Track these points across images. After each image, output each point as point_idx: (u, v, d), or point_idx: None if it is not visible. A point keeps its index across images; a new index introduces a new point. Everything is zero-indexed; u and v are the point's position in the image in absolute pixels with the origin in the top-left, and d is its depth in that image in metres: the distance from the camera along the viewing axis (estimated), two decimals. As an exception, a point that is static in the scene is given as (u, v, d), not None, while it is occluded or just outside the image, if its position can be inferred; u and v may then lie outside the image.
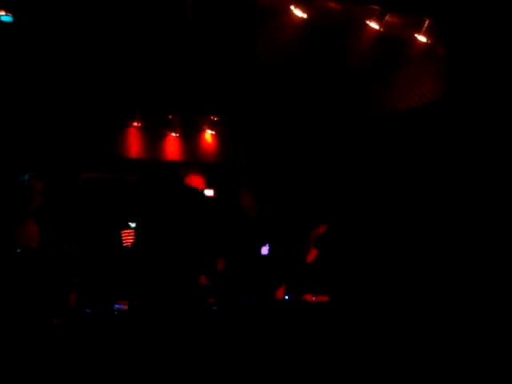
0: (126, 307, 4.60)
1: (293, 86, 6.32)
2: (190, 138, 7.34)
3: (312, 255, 5.45)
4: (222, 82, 6.45)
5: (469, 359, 4.44)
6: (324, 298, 5.20)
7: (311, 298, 5.23)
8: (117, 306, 4.66)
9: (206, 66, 6.12)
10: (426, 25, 5.24)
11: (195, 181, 4.72)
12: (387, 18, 5.14)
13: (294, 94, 6.49)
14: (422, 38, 5.32)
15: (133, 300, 4.55)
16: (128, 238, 6.06)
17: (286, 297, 5.37)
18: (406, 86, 5.70)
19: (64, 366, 4.12)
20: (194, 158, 7.31)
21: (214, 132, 7.44)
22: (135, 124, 7.02)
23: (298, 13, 5.00)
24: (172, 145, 7.22)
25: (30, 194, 4.58)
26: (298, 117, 6.83)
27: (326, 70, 5.96)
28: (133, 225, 6.16)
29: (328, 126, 6.73)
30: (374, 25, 5.16)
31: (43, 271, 4.32)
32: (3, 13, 5.10)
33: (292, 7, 4.98)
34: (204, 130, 7.44)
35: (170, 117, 7.12)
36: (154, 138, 7.15)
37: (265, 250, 5.61)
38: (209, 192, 6.84)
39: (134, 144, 7.01)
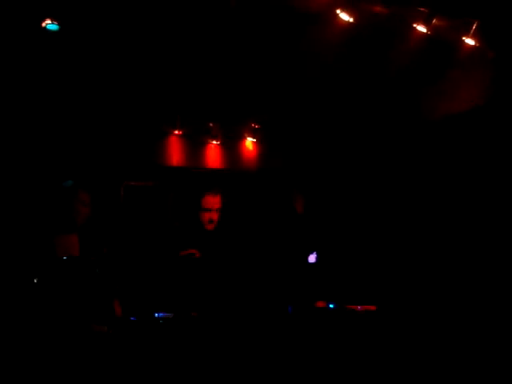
0: (170, 316, 4.60)
1: (338, 91, 6.34)
2: (231, 145, 7.41)
3: None
4: (263, 88, 6.49)
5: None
6: (371, 307, 5.15)
7: (357, 306, 5.17)
8: (160, 314, 4.64)
9: (247, 73, 6.18)
10: (474, 27, 5.24)
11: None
12: (435, 20, 5.15)
13: (340, 100, 6.51)
14: (470, 41, 5.32)
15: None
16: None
17: (331, 305, 5.34)
18: (454, 90, 5.68)
19: (105, 374, 4.15)
20: (234, 166, 7.38)
21: (255, 139, 7.49)
22: (176, 132, 7.11)
23: (344, 17, 5.03)
24: (213, 153, 7.29)
25: (78, 207, 4.69)
26: (345, 122, 6.86)
27: (372, 75, 5.97)
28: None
29: (373, 131, 6.75)
30: (421, 28, 5.18)
31: (87, 277, 4.41)
32: (49, 21, 5.21)
33: (338, 11, 5.02)
34: (245, 138, 7.50)
35: (211, 125, 7.18)
36: (194, 146, 7.22)
37: (312, 258, 5.60)
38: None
39: (175, 152, 7.10)
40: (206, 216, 4.80)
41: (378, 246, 5.63)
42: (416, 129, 6.30)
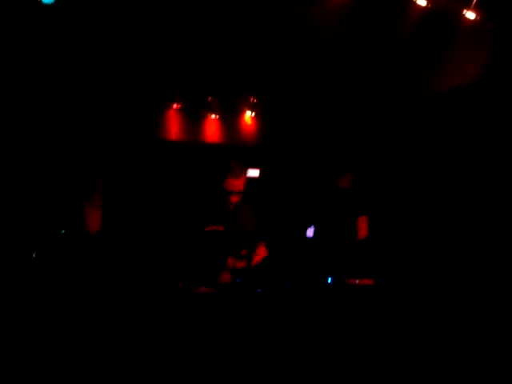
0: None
1: (337, 66, 6.30)
2: (230, 119, 7.40)
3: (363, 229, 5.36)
4: (262, 62, 6.43)
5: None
6: (368, 282, 5.18)
7: (355, 281, 5.20)
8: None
9: (246, 46, 6.14)
10: (474, 0, 5.22)
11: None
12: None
13: (338, 74, 6.46)
14: (470, 15, 5.32)
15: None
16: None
17: (329, 279, 5.34)
18: (455, 64, 5.65)
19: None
20: (233, 140, 7.36)
21: (254, 113, 7.49)
22: (175, 106, 7.10)
23: (344, -11, 5.02)
24: (212, 127, 7.29)
25: None
26: (346, 96, 6.81)
27: (372, 49, 5.93)
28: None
29: (375, 106, 6.71)
30: (421, 1, 5.17)
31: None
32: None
33: (337, -16, 5.01)
34: (244, 112, 7.49)
35: (210, 98, 7.17)
36: (193, 120, 7.21)
37: (310, 232, 5.57)
38: (254, 172, 6.86)
39: (173, 126, 7.08)
40: (229, 198, 4.63)
41: (376, 221, 5.64)
42: (418, 103, 6.27)
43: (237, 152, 7.17)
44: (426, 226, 5.90)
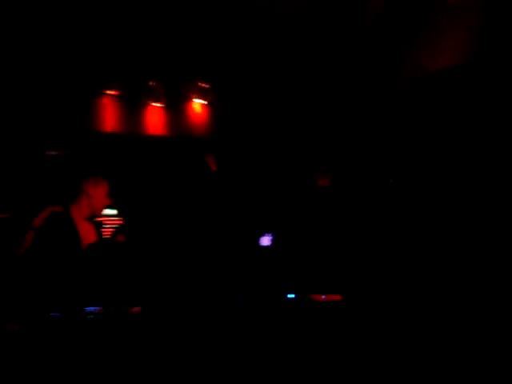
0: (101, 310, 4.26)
1: (305, 45, 5.91)
2: (176, 108, 6.85)
3: None
4: (213, 40, 6.08)
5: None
6: (335, 297, 4.97)
7: (320, 297, 4.98)
8: (90, 308, 4.26)
9: (193, 21, 5.77)
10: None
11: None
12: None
13: (306, 55, 6.07)
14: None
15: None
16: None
17: (290, 295, 5.13)
18: (436, 44, 5.34)
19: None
20: (180, 132, 6.83)
21: (204, 101, 6.97)
22: (111, 92, 6.50)
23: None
24: (154, 116, 6.72)
25: None
26: (310, 76, 6.41)
27: (344, 28, 5.57)
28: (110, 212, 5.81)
29: (346, 91, 6.37)
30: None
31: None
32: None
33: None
34: (192, 99, 6.96)
35: (152, 83, 6.62)
36: (133, 108, 6.63)
37: (266, 241, 5.31)
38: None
39: (109, 116, 6.48)
40: None
41: (342, 227, 5.33)
42: (388, 90, 5.99)
43: (184, 145, 6.77)
44: (399, 238, 5.65)
